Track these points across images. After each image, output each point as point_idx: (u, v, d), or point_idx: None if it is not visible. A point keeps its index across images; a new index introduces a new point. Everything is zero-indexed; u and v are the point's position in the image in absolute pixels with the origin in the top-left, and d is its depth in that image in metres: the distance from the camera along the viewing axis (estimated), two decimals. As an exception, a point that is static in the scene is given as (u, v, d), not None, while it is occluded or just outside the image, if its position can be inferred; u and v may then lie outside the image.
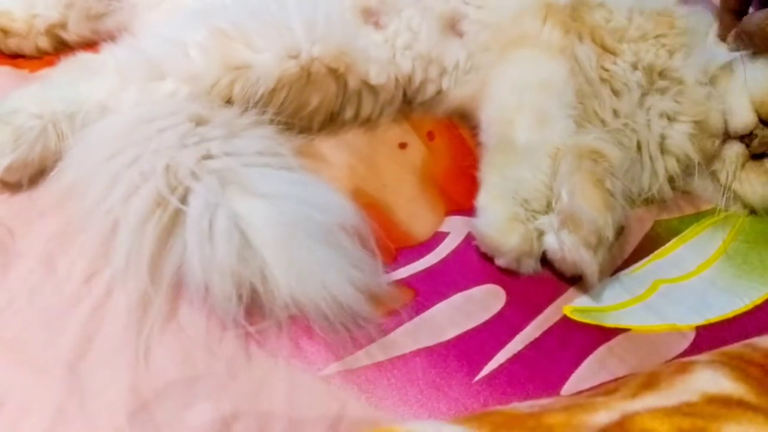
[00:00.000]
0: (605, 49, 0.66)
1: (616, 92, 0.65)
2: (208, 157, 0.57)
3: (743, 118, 0.63)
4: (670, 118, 0.65)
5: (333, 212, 0.54)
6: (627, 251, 0.61)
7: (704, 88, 0.65)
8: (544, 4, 0.67)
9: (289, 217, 0.53)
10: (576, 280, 0.58)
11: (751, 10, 0.70)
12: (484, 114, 0.66)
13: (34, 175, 0.61)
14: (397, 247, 0.61)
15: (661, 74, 0.66)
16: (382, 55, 0.70)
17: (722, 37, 0.69)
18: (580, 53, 0.65)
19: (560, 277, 0.58)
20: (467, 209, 0.63)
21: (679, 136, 0.65)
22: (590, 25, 0.66)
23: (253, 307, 0.52)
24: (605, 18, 0.67)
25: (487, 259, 0.59)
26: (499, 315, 0.55)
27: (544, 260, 0.59)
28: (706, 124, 0.65)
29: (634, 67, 0.66)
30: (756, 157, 0.64)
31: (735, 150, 0.64)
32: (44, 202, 0.60)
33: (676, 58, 0.66)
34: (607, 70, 0.65)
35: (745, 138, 0.64)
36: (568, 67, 0.65)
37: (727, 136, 0.65)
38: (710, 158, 0.66)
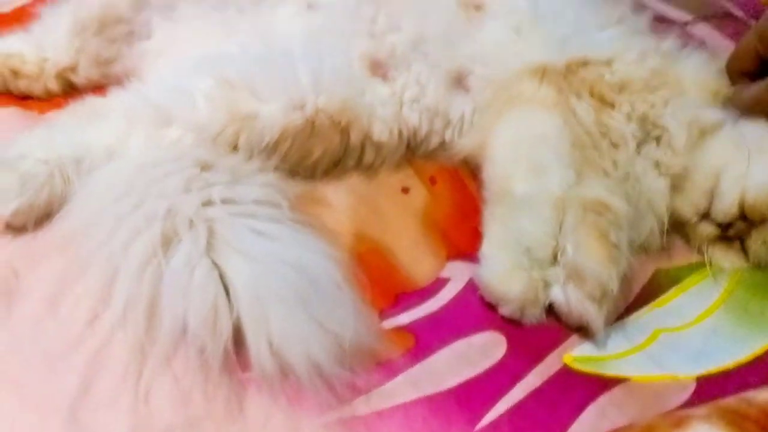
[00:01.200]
0: (604, 102, 0.67)
1: (614, 144, 0.66)
2: (208, 203, 0.58)
3: (730, 208, 0.62)
4: (657, 169, 0.66)
5: (319, 270, 0.54)
6: (628, 299, 0.61)
7: (690, 142, 0.65)
8: (540, 66, 0.68)
9: (270, 278, 0.53)
10: (577, 328, 0.58)
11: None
12: (484, 172, 0.67)
13: (39, 218, 0.61)
14: (398, 292, 0.61)
15: (654, 124, 0.67)
16: (387, 112, 0.71)
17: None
18: (579, 109, 0.66)
19: (561, 325, 0.58)
20: (469, 255, 0.63)
21: (659, 189, 0.65)
22: (589, 80, 0.67)
23: (245, 355, 0.52)
24: (606, 72, 0.68)
25: (488, 305, 0.59)
26: (501, 363, 0.55)
27: (546, 308, 0.59)
28: (687, 187, 0.65)
29: (629, 118, 0.66)
30: (726, 237, 0.64)
31: (708, 230, 0.64)
32: (49, 244, 0.60)
33: (668, 108, 0.67)
34: (605, 124, 0.66)
35: (722, 224, 0.63)
36: (562, 120, 0.65)
37: (705, 215, 0.64)
38: (682, 224, 0.66)
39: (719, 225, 0.64)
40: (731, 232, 0.63)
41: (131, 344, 0.52)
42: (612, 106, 0.67)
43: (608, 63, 0.68)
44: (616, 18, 0.75)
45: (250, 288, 0.53)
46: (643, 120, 0.67)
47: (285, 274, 0.53)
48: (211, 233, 0.56)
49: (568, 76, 0.68)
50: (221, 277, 0.54)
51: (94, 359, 0.52)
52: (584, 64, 0.68)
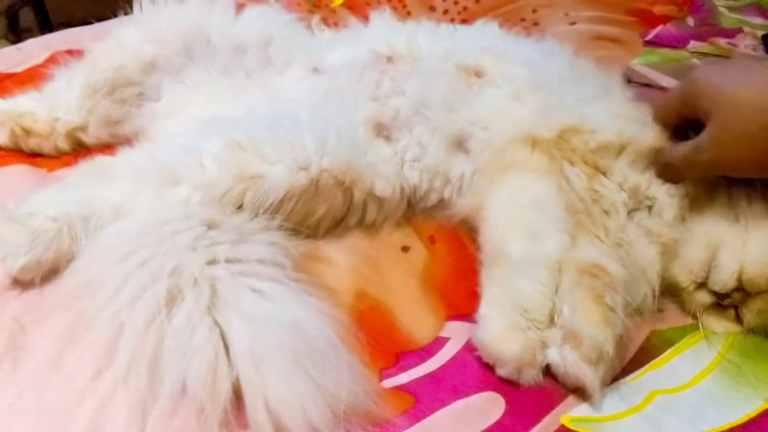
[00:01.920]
0: (596, 170, 0.68)
1: (606, 212, 0.67)
2: (213, 262, 0.59)
3: (728, 281, 0.63)
4: (648, 236, 0.67)
5: (316, 331, 0.55)
6: (624, 361, 0.62)
7: (680, 214, 0.67)
8: (533, 136, 0.71)
9: (267, 339, 0.54)
10: (574, 389, 0.58)
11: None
12: (481, 235, 0.68)
13: (46, 273, 0.63)
14: (398, 351, 0.62)
15: (646, 195, 0.68)
16: (390, 169, 0.73)
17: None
18: (571, 175, 0.68)
19: (558, 385, 0.59)
20: (467, 314, 0.64)
21: (650, 257, 0.66)
22: (580, 149, 0.69)
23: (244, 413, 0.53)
24: (590, 141, 0.70)
25: (487, 365, 0.60)
26: (499, 423, 0.55)
27: (544, 368, 0.59)
28: (683, 255, 0.66)
29: (620, 187, 0.68)
30: (721, 305, 0.65)
31: (704, 299, 0.65)
32: (55, 300, 0.61)
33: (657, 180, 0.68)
34: (596, 191, 0.67)
35: (719, 294, 0.64)
36: (556, 185, 0.67)
37: (701, 284, 0.65)
38: (676, 289, 0.67)
39: (715, 294, 0.65)
40: (727, 301, 0.64)
41: (133, 401, 0.53)
42: (604, 174, 0.68)
43: (593, 131, 0.70)
44: (605, 89, 0.77)
45: (248, 348, 0.53)
46: (635, 190, 0.68)
47: (282, 334, 0.54)
48: (213, 292, 0.57)
49: (559, 144, 0.70)
50: (222, 336, 0.55)
51: (97, 415, 0.53)
52: (575, 132, 0.70)
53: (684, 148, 0.65)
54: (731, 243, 0.64)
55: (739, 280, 0.63)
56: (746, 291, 0.63)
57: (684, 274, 0.66)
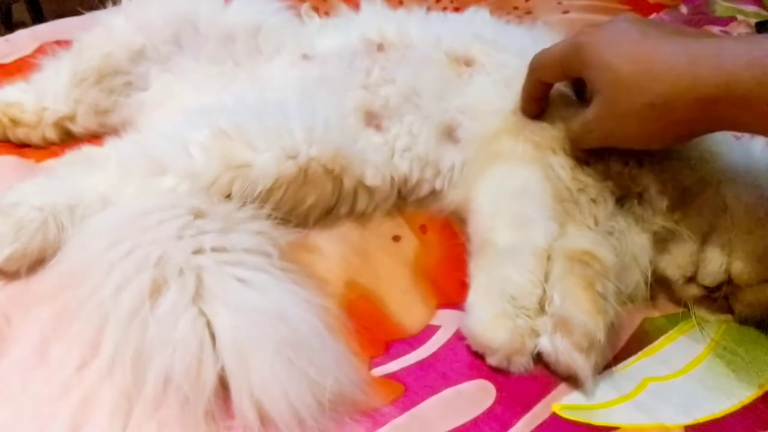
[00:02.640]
0: (578, 159, 0.68)
1: (593, 200, 0.66)
2: (199, 251, 0.58)
3: (717, 275, 0.63)
4: (639, 224, 0.66)
5: (302, 320, 0.55)
6: (616, 348, 0.61)
7: (672, 204, 0.66)
8: (518, 124, 0.70)
9: (252, 328, 0.53)
10: (566, 377, 0.58)
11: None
12: (469, 226, 0.67)
13: (32, 264, 0.62)
14: (388, 340, 0.61)
15: (635, 181, 0.67)
16: (379, 158, 0.72)
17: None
18: (555, 165, 0.67)
19: (550, 373, 0.58)
20: (458, 303, 0.63)
21: (642, 244, 0.65)
22: (560, 137, 0.68)
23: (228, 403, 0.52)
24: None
25: (477, 354, 0.59)
26: (489, 411, 0.55)
27: (535, 356, 0.59)
28: (672, 249, 0.65)
29: (605, 176, 0.67)
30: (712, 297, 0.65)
31: (693, 291, 0.65)
32: (41, 291, 0.61)
33: (646, 167, 0.67)
34: (581, 180, 0.67)
35: (708, 287, 0.64)
36: (542, 174, 0.66)
37: (690, 278, 0.65)
38: (667, 281, 0.66)
39: (705, 287, 0.64)
40: (717, 294, 0.64)
41: (118, 392, 0.53)
42: (586, 163, 0.67)
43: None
44: None
45: (233, 338, 0.53)
46: (619, 176, 0.67)
47: (266, 323, 0.53)
48: (199, 282, 0.56)
49: (542, 131, 0.69)
50: (208, 326, 0.54)
51: (82, 406, 0.52)
52: (552, 121, 0.70)
53: (574, 125, 0.65)
54: (718, 237, 0.63)
55: (728, 273, 0.62)
56: (736, 284, 0.63)
57: (673, 269, 0.65)
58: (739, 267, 0.62)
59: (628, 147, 0.64)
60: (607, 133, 0.62)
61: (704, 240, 0.64)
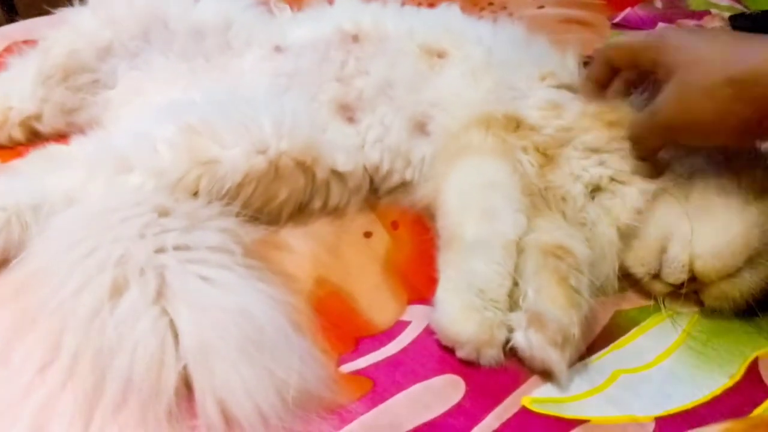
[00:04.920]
0: (547, 159, 0.67)
1: (563, 198, 0.66)
2: (161, 250, 0.57)
3: (680, 274, 0.62)
4: (608, 217, 0.65)
5: (266, 317, 0.54)
6: (588, 341, 0.61)
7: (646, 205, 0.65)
8: (486, 116, 0.69)
9: (215, 327, 0.52)
10: (540, 371, 0.58)
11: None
12: (438, 222, 0.67)
13: (-4, 263, 0.61)
14: (358, 336, 0.61)
15: (612, 178, 0.66)
16: (350, 143, 0.72)
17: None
18: (524, 161, 0.67)
19: (520, 367, 0.58)
20: (429, 298, 0.62)
21: (610, 237, 0.64)
22: (529, 135, 0.68)
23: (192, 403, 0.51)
24: (541, 135, 0.68)
25: (448, 349, 0.59)
26: (458, 406, 0.55)
27: (508, 351, 0.58)
28: (636, 246, 0.64)
29: (575, 178, 0.66)
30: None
31: (659, 288, 0.64)
32: (3, 292, 0.60)
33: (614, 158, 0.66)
34: (549, 180, 0.66)
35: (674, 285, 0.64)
36: (510, 167, 0.66)
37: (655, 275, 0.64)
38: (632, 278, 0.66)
39: (671, 284, 0.64)
40: (683, 290, 0.63)
41: (79, 395, 0.52)
42: (556, 163, 0.67)
43: (532, 127, 0.69)
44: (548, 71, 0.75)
45: (196, 337, 0.52)
46: (591, 179, 0.66)
47: (230, 322, 0.53)
48: (161, 281, 0.55)
49: (507, 128, 0.69)
50: (172, 325, 0.53)
51: (44, 409, 0.51)
52: (517, 123, 0.69)
53: (638, 117, 0.64)
54: (679, 236, 0.62)
55: (691, 271, 0.62)
56: (700, 281, 0.63)
57: (637, 267, 0.64)
58: (701, 265, 0.61)
59: (693, 140, 0.62)
60: (678, 115, 0.59)
61: (666, 239, 0.63)
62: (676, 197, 0.64)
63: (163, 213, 0.61)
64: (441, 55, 0.79)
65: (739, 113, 0.56)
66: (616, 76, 0.69)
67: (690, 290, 0.63)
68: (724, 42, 0.59)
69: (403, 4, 0.90)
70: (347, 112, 0.75)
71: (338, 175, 0.71)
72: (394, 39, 0.80)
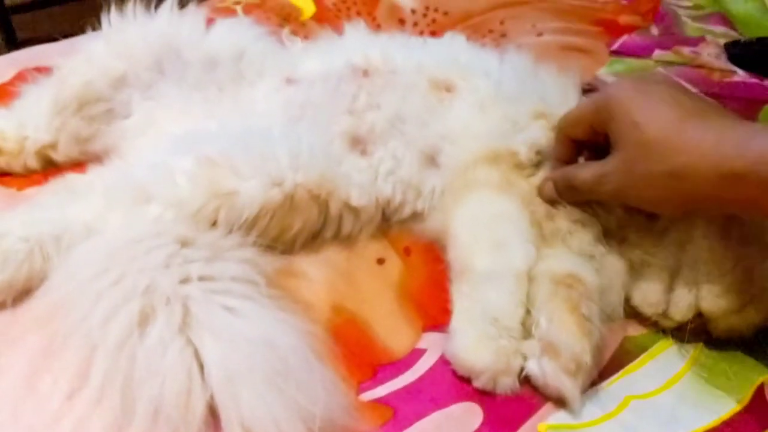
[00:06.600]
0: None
1: (569, 232, 0.67)
2: (186, 280, 0.59)
3: (687, 313, 0.64)
4: (617, 250, 0.67)
5: (290, 347, 0.55)
6: (600, 367, 0.62)
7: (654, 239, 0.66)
8: (493, 153, 0.71)
9: (241, 357, 0.54)
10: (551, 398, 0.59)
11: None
12: (449, 254, 0.68)
13: (18, 294, 0.62)
14: (375, 364, 0.62)
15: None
16: (365, 179, 0.73)
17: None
18: (531, 197, 0.69)
19: (536, 393, 0.59)
20: (443, 325, 0.64)
21: (618, 269, 0.67)
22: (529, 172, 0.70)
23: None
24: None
25: (463, 377, 0.60)
26: (477, 433, 0.56)
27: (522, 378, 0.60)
28: (643, 287, 0.66)
29: (573, 218, 0.68)
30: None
31: (667, 323, 0.65)
32: (28, 320, 0.61)
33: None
34: (553, 215, 0.68)
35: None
36: (519, 200, 0.68)
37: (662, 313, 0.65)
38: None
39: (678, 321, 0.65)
40: (690, 325, 0.64)
41: (108, 422, 0.53)
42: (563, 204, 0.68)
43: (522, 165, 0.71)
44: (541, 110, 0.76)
45: (222, 367, 0.53)
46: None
47: (254, 352, 0.54)
48: (186, 311, 0.56)
49: (510, 163, 0.71)
50: (196, 355, 0.54)
51: (73, 436, 0.52)
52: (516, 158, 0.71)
53: (587, 174, 0.64)
54: (685, 277, 0.64)
55: (698, 309, 0.63)
56: (707, 318, 0.64)
57: (644, 306, 0.66)
58: (707, 304, 0.63)
59: (638, 207, 0.64)
60: (621, 190, 0.61)
61: (673, 276, 0.65)
62: (679, 238, 0.65)
63: (185, 243, 0.62)
64: (449, 89, 0.81)
65: (678, 201, 0.59)
66: (582, 149, 0.69)
67: (697, 324, 0.64)
68: (667, 118, 0.58)
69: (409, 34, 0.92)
70: (359, 145, 0.76)
71: (351, 208, 0.73)
72: (404, 73, 0.82)
